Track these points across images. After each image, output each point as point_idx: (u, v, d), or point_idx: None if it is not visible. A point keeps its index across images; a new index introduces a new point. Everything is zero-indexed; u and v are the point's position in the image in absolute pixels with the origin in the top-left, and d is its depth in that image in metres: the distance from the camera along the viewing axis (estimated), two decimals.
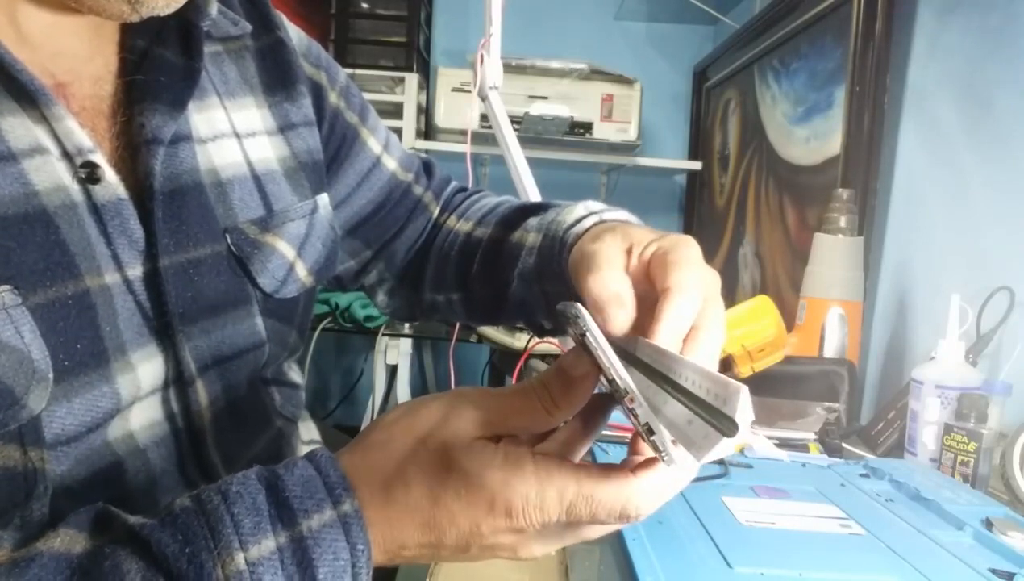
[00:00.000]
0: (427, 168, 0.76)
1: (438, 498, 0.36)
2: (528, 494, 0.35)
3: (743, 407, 0.30)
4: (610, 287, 0.41)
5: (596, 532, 0.39)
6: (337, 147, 0.66)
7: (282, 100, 0.59)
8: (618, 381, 0.34)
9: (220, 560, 0.33)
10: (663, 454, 0.33)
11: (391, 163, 0.72)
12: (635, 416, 0.33)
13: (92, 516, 0.37)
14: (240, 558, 0.34)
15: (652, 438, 0.33)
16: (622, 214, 0.57)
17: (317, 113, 0.63)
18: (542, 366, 1.17)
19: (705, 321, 0.40)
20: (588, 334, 0.36)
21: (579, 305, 0.39)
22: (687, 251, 0.41)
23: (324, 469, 0.36)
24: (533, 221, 0.62)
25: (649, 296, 0.41)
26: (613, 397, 0.37)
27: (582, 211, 0.56)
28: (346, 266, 0.73)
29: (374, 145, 0.71)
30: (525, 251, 0.60)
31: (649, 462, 0.36)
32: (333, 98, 0.66)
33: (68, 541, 0.35)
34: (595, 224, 0.53)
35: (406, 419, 0.38)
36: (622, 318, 0.40)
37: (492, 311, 0.68)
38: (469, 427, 0.37)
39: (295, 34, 0.63)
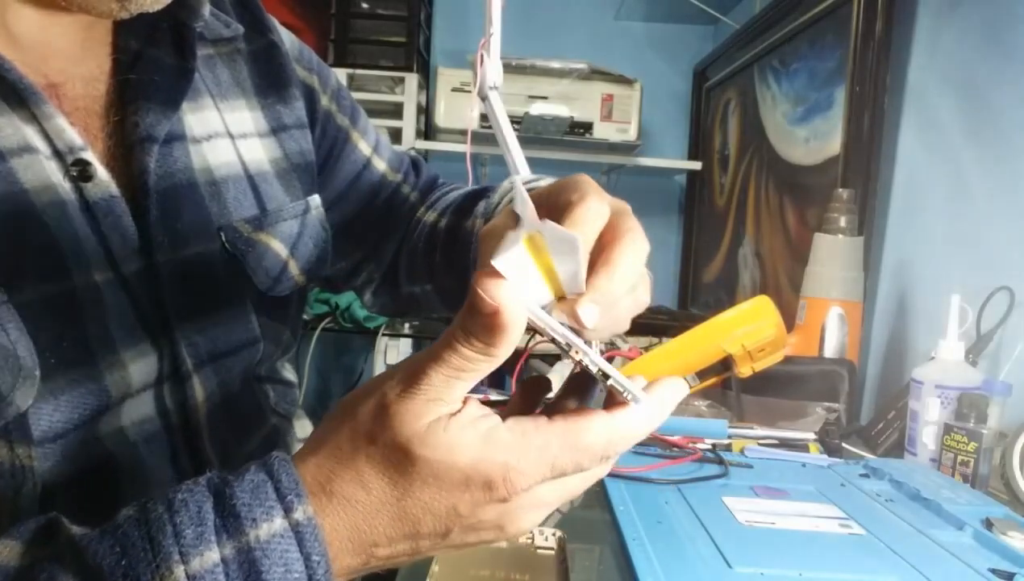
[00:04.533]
0: (415, 166, 0.77)
1: (405, 490, 0.33)
2: (507, 461, 0.33)
3: (519, 197, 0.33)
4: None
5: (579, 487, 0.36)
6: (329, 149, 0.67)
7: (274, 102, 0.60)
8: (557, 337, 0.33)
9: (158, 573, 0.31)
10: (626, 393, 0.33)
11: (381, 164, 0.73)
12: (586, 367, 0.33)
13: (37, 526, 0.35)
14: (180, 571, 0.31)
15: (609, 382, 0.33)
16: (544, 181, 0.56)
17: (310, 116, 0.63)
18: (542, 366, 1.17)
19: (620, 230, 0.38)
20: None
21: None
22: (580, 178, 0.41)
23: (276, 474, 0.33)
24: (481, 206, 0.63)
25: None
26: (589, 378, 0.36)
27: (507, 186, 0.59)
28: (338, 267, 0.74)
29: (364, 147, 0.71)
30: (475, 238, 0.61)
31: (622, 402, 0.35)
32: (325, 101, 0.66)
33: (6, 554, 0.33)
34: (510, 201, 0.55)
35: (349, 421, 0.34)
36: None
37: (462, 300, 0.68)
38: (416, 416, 0.33)
39: (287, 38, 0.64)
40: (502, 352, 0.33)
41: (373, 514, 0.34)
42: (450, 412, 0.33)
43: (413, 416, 0.33)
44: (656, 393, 0.35)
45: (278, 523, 0.32)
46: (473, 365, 0.33)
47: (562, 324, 0.34)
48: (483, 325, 0.32)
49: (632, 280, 0.38)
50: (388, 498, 0.33)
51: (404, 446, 0.33)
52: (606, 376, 0.33)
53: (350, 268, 0.74)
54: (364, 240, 0.72)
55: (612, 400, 0.36)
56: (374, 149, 0.72)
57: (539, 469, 0.33)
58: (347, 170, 0.69)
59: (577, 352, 0.33)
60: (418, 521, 0.34)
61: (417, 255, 0.70)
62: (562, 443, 0.33)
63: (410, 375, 0.33)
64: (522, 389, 0.40)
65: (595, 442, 0.34)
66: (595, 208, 0.38)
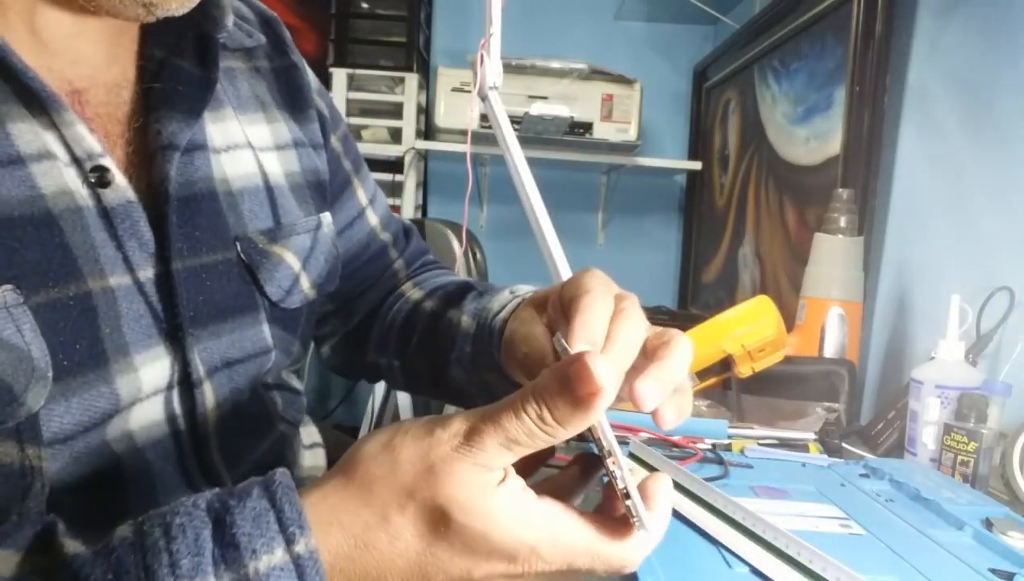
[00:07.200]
0: (407, 234, 0.76)
1: (429, 545, 0.33)
2: (535, 545, 0.33)
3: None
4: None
5: (582, 577, 0.37)
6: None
7: (290, 118, 0.61)
8: (603, 440, 0.34)
9: None
10: (635, 519, 0.34)
11: (373, 218, 0.73)
12: (614, 478, 0.34)
13: (32, 536, 0.34)
14: None
15: (628, 502, 0.34)
16: (523, 289, 0.60)
17: (323, 145, 0.65)
18: None
19: (624, 312, 0.41)
20: None
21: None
22: (590, 272, 0.44)
23: (279, 503, 0.33)
24: (471, 303, 0.62)
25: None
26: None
27: (507, 296, 0.58)
28: None
29: (362, 196, 0.71)
30: (460, 336, 0.61)
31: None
32: (334, 140, 0.67)
33: (1, 566, 0.33)
34: (516, 306, 0.55)
35: (387, 465, 0.34)
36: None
37: (429, 387, 0.68)
38: (462, 482, 0.32)
39: (309, 71, 0.65)
40: (569, 434, 0.32)
41: (388, 563, 0.33)
42: (494, 480, 0.33)
43: (458, 480, 0.32)
44: (657, 512, 0.35)
45: (279, 555, 0.32)
46: (532, 440, 0.32)
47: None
48: (572, 401, 0.31)
49: (678, 380, 0.40)
50: (409, 551, 0.33)
51: (443, 508, 0.32)
52: (627, 495, 0.34)
53: (318, 317, 0.73)
54: (339, 293, 0.71)
55: (615, 502, 0.36)
56: (370, 201, 0.72)
57: (559, 562, 0.34)
58: (342, 216, 0.69)
59: (614, 462, 0.34)
60: (429, 578, 0.34)
61: (393, 329, 0.69)
62: (587, 549, 0.34)
63: (464, 434, 0.33)
64: (577, 465, 0.40)
65: (614, 557, 0.35)
66: (600, 303, 0.40)
